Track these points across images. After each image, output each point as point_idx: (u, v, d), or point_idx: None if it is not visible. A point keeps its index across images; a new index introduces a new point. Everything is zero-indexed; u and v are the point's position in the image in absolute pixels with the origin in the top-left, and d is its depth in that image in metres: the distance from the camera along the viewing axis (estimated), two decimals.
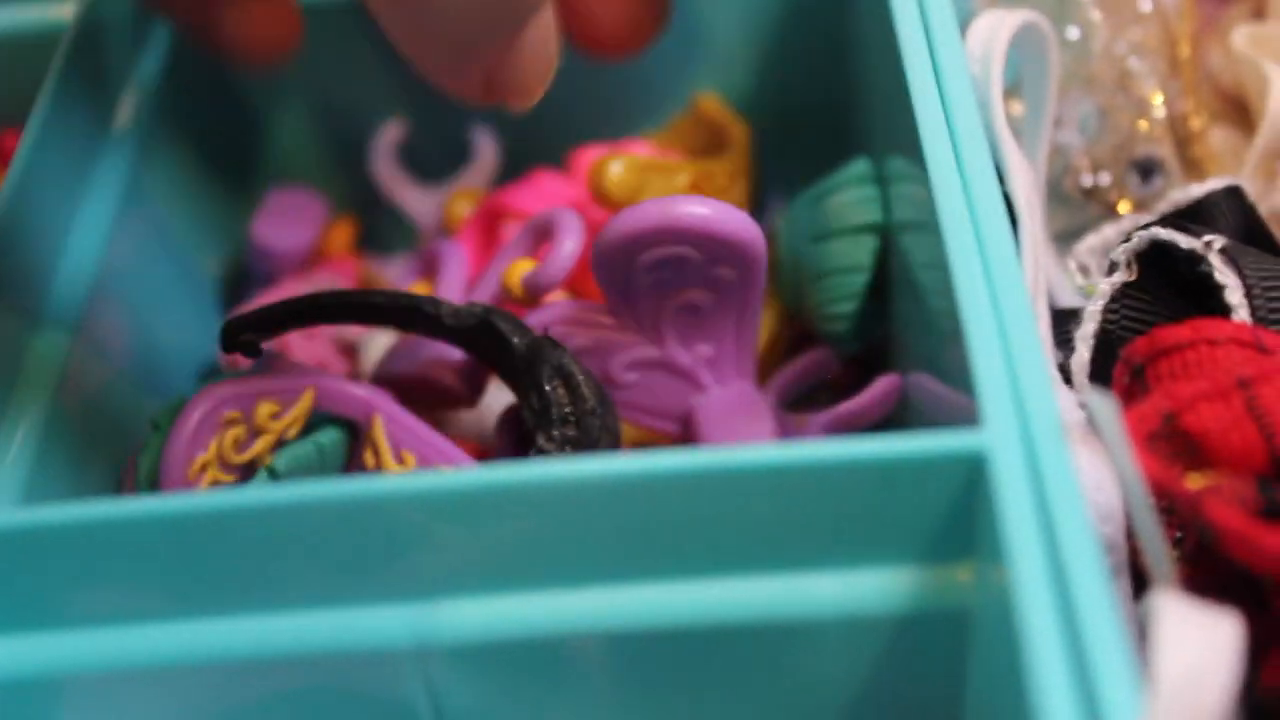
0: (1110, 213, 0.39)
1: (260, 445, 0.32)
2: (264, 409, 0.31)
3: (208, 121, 0.42)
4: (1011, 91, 0.38)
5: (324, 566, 0.27)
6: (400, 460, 0.32)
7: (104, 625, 0.27)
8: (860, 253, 0.35)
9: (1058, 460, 0.24)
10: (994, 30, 0.34)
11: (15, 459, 0.30)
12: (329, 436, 0.33)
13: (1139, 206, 0.38)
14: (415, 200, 0.43)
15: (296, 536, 0.26)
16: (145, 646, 0.27)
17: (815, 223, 0.36)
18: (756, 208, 0.42)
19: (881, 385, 0.34)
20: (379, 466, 0.32)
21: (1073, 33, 0.40)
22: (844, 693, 0.27)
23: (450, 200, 0.42)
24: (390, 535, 0.26)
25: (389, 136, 0.43)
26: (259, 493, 0.26)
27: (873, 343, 0.37)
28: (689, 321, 0.33)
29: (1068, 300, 0.36)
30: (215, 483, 0.31)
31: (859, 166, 0.36)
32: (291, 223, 0.43)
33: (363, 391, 0.33)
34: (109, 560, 0.26)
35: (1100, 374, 0.32)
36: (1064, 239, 0.38)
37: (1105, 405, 0.25)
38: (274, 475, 0.32)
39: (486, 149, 0.43)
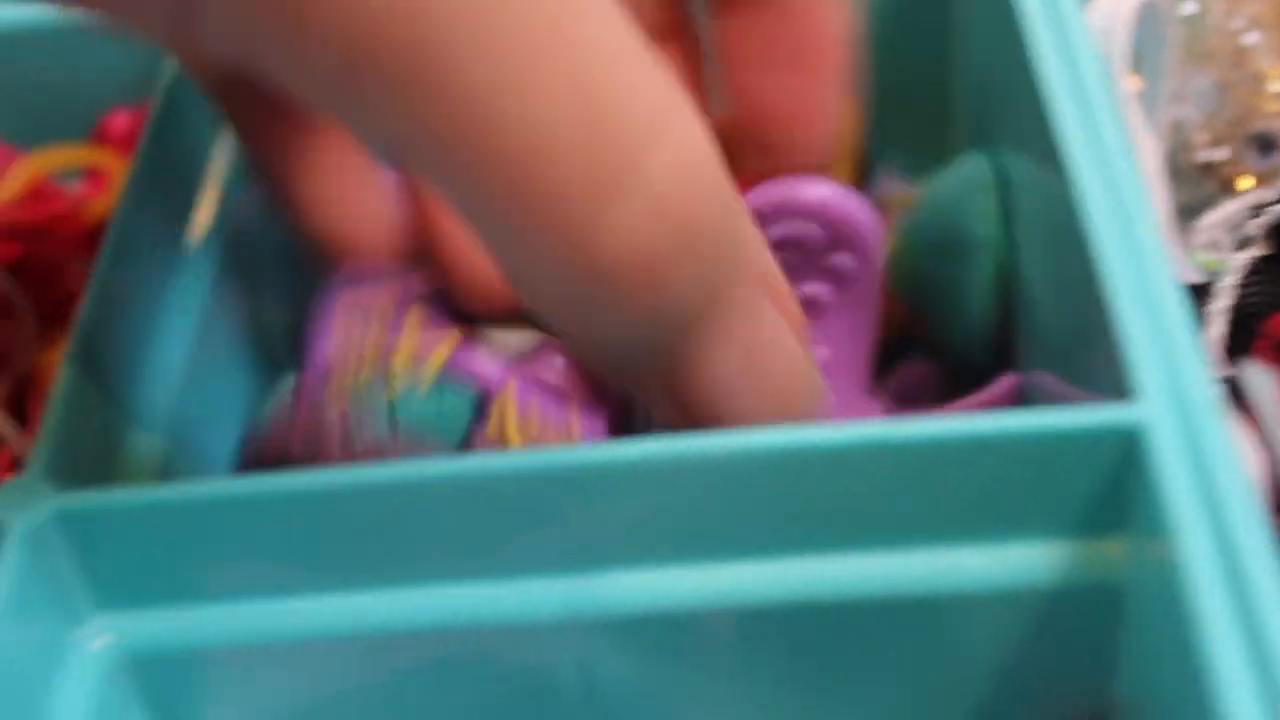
0: (1227, 188, 0.38)
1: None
2: (406, 341, 0.31)
3: None
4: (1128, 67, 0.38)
5: (473, 540, 0.27)
6: (528, 434, 0.32)
7: (248, 599, 0.27)
8: (984, 264, 0.35)
9: (1216, 432, 0.24)
10: (1116, 6, 0.34)
11: None
12: (452, 402, 0.33)
13: (1260, 181, 0.38)
14: None
15: (444, 510, 0.26)
16: (294, 621, 0.27)
17: (935, 232, 0.36)
18: (862, 190, 0.42)
19: (1002, 385, 0.34)
20: (503, 438, 0.32)
21: (1189, 7, 0.39)
22: (991, 669, 0.27)
23: None
24: (538, 509, 0.26)
25: None
26: (410, 466, 0.26)
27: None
28: (809, 321, 0.33)
29: (1188, 277, 0.36)
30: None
31: (978, 169, 0.36)
32: None
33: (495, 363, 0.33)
34: (253, 534, 0.27)
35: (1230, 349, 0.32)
36: (1181, 215, 0.38)
37: (1261, 377, 0.25)
38: (392, 420, 0.31)
39: None
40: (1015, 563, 0.26)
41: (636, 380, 0.26)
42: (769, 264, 0.26)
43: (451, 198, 0.23)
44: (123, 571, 0.27)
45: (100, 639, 0.27)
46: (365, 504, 0.26)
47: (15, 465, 0.37)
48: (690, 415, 0.26)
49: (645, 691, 0.28)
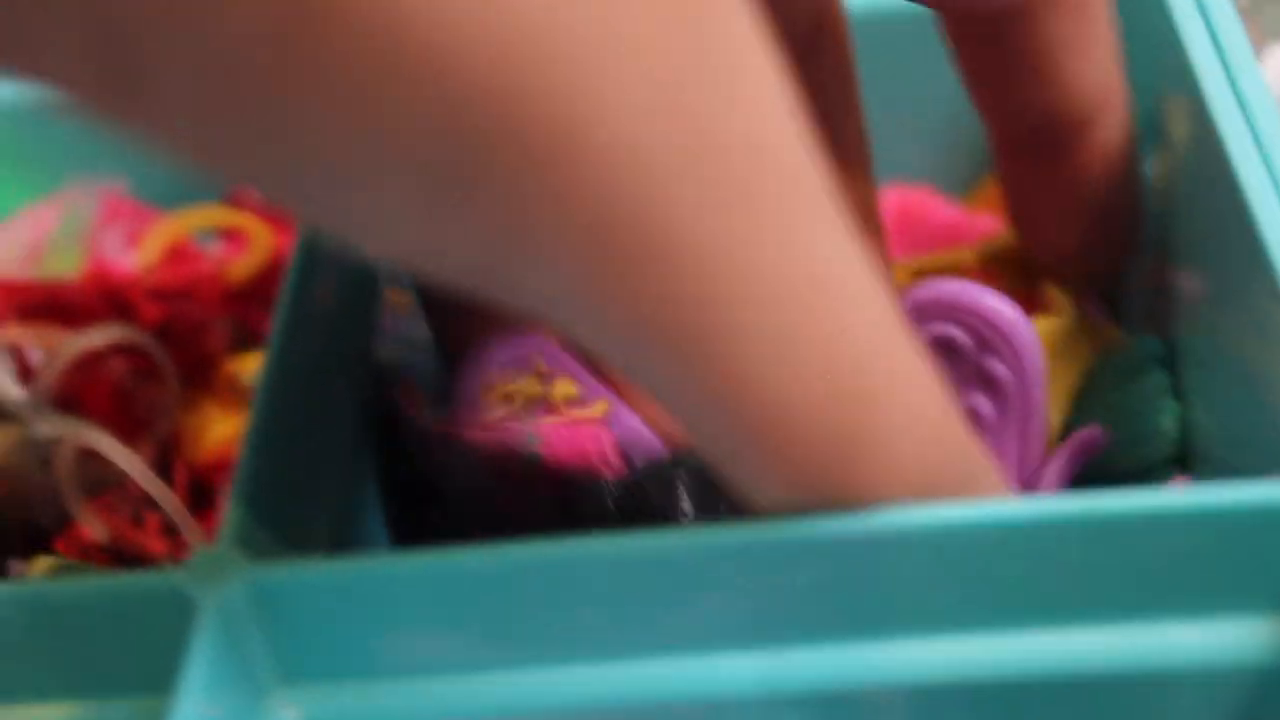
0: None
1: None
2: (561, 387, 0.31)
3: None
4: None
5: (663, 613, 0.26)
6: None
7: (435, 674, 0.27)
8: (1163, 447, 0.33)
9: None
10: None
11: None
12: None
13: None
14: None
15: (644, 582, 0.26)
16: (481, 698, 0.27)
17: (1110, 419, 0.34)
18: None
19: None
20: None
21: None
22: None
23: None
24: (732, 581, 0.26)
25: None
26: (608, 542, 0.26)
27: None
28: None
29: None
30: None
31: (1157, 378, 0.34)
32: None
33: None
34: (445, 607, 0.26)
35: None
36: None
37: None
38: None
39: None
40: (1225, 639, 0.26)
41: None
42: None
43: (691, 428, 0.24)
44: (309, 644, 0.27)
45: (286, 713, 0.27)
46: (562, 577, 0.26)
47: (166, 529, 0.37)
48: None
49: None
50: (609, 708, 0.27)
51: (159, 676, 0.27)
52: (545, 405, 0.32)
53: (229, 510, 0.27)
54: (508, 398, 0.32)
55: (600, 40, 0.19)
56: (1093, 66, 0.31)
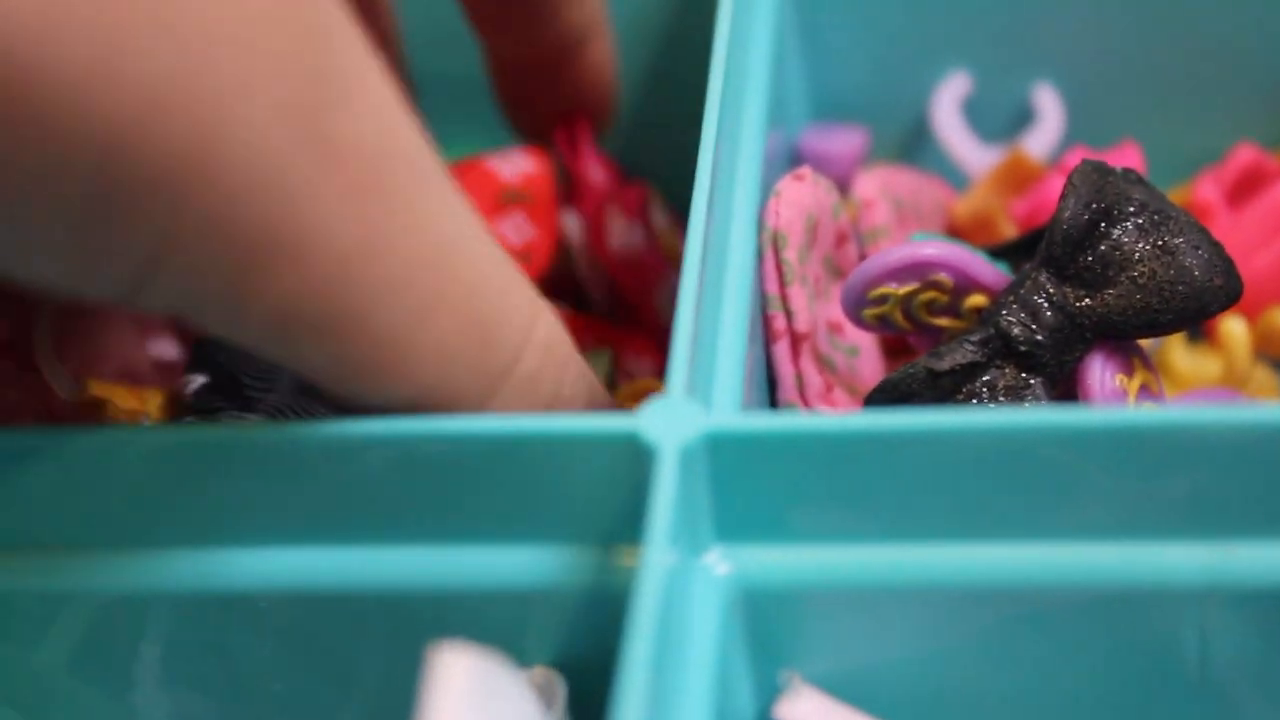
0: None
1: (948, 323, 0.31)
2: (974, 300, 0.31)
3: None
4: None
5: (1098, 492, 0.26)
6: None
7: (860, 542, 0.27)
8: None
9: None
10: None
11: None
12: None
13: None
14: (970, 153, 0.43)
15: (1100, 457, 0.25)
16: (904, 568, 0.27)
17: None
18: None
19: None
20: None
21: None
22: None
23: (1009, 158, 0.41)
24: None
25: (954, 88, 0.43)
26: (1030, 414, 0.25)
27: None
28: None
29: None
30: (880, 318, 0.31)
31: None
32: (836, 134, 0.42)
33: None
34: (883, 473, 0.26)
35: None
36: None
37: None
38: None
39: (1051, 112, 0.43)
40: None
41: None
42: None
43: (351, 398, 0.26)
44: (745, 499, 0.26)
45: (722, 567, 0.27)
46: (1005, 448, 0.26)
47: None
48: None
49: (1266, 671, 0.27)
50: (1040, 588, 0.27)
51: (603, 522, 0.27)
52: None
53: (675, 358, 0.27)
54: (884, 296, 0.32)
55: (232, 72, 0.21)
56: (584, 2, 0.38)
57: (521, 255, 0.39)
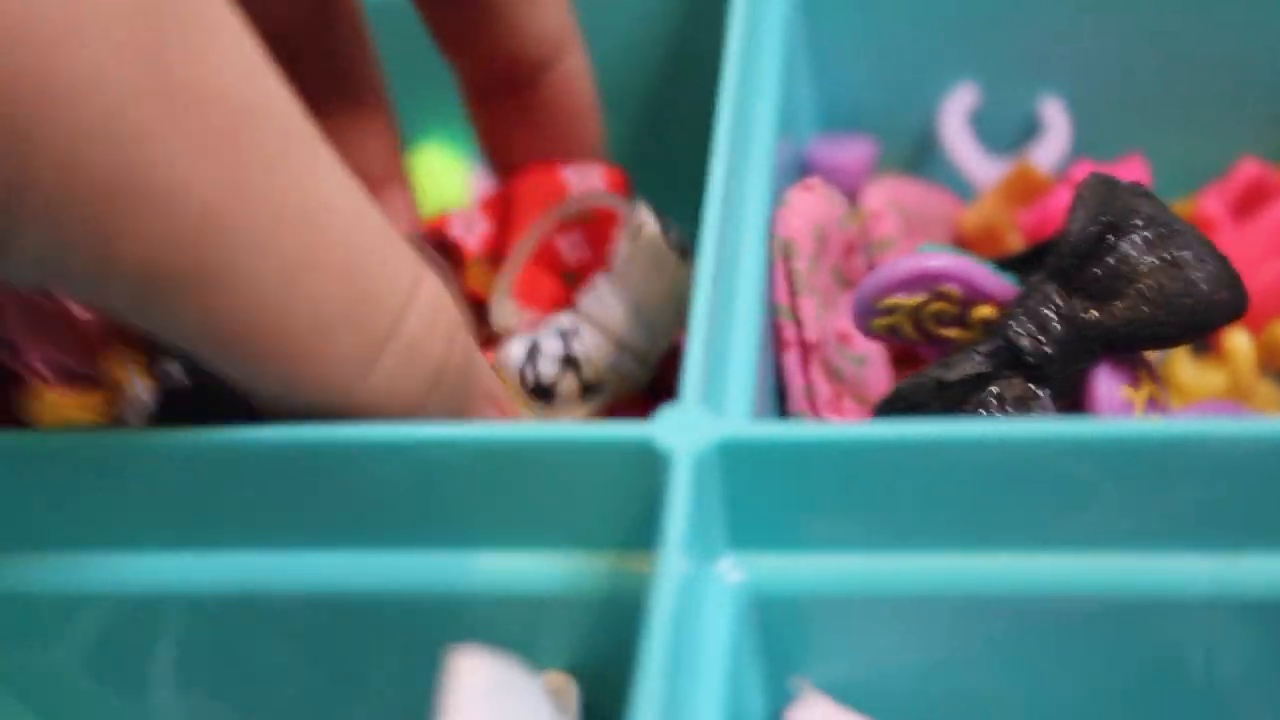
0: None
1: (956, 333, 0.31)
2: (981, 311, 0.31)
3: None
4: None
5: (1117, 504, 0.26)
6: None
7: (865, 550, 0.27)
8: None
9: None
10: None
11: None
12: None
13: None
14: (977, 165, 0.43)
15: (1099, 470, 0.26)
16: (918, 576, 0.27)
17: None
18: None
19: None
20: None
21: None
22: None
23: (1016, 170, 0.42)
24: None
25: (962, 100, 0.43)
26: (1034, 425, 0.26)
27: None
28: None
29: None
30: (889, 328, 0.31)
31: None
32: (845, 145, 0.43)
33: None
34: (898, 480, 0.26)
35: None
36: None
37: None
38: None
39: (1058, 125, 0.43)
40: None
41: None
42: (495, 384, 0.30)
43: (229, 369, 0.26)
44: (757, 507, 0.27)
45: (734, 575, 0.27)
46: (1014, 458, 0.26)
47: None
48: None
49: (1272, 681, 0.27)
50: (1045, 597, 0.27)
51: (616, 529, 0.27)
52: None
53: (688, 365, 0.27)
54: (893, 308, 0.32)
55: (63, 13, 0.22)
56: (546, 15, 0.36)
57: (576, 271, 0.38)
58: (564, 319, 0.35)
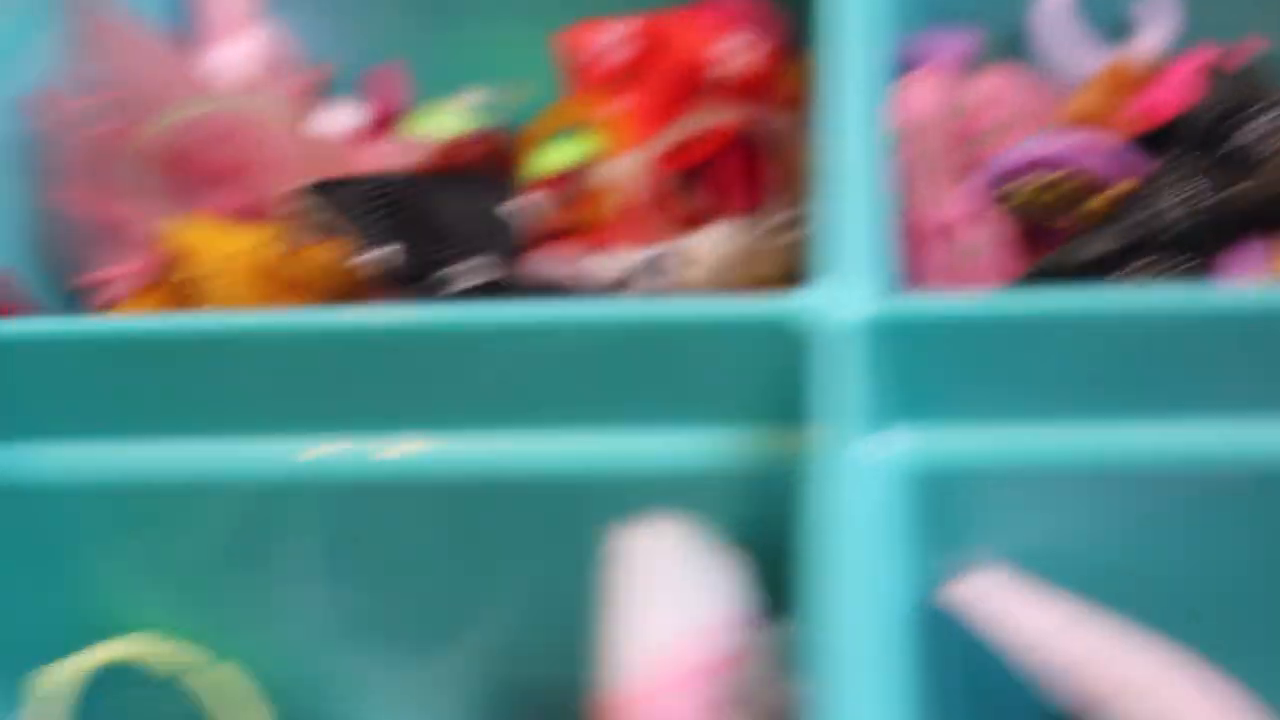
0: None
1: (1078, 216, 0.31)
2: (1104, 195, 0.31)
3: None
4: None
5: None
6: None
7: (1040, 422, 0.27)
8: None
9: None
10: None
11: None
12: None
13: None
14: (1078, 55, 0.43)
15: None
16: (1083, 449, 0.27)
17: None
18: None
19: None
20: None
21: None
22: None
23: (1116, 62, 0.41)
24: None
25: None
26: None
27: None
28: None
29: None
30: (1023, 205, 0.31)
31: None
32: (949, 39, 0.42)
33: None
34: (1056, 356, 0.26)
35: None
36: None
37: None
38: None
39: (1165, 12, 0.42)
40: None
41: None
42: None
43: None
44: (915, 380, 0.27)
45: (892, 447, 0.27)
46: (1166, 328, 0.26)
47: None
48: None
49: None
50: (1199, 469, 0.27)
51: (771, 403, 0.27)
52: None
53: (838, 245, 0.27)
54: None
55: None
56: None
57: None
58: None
